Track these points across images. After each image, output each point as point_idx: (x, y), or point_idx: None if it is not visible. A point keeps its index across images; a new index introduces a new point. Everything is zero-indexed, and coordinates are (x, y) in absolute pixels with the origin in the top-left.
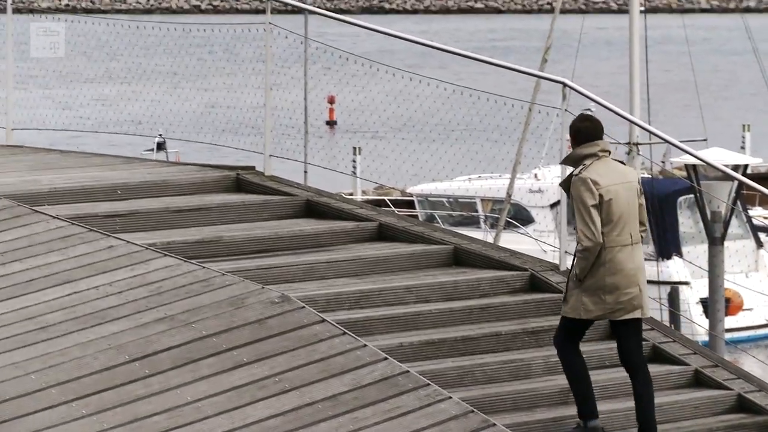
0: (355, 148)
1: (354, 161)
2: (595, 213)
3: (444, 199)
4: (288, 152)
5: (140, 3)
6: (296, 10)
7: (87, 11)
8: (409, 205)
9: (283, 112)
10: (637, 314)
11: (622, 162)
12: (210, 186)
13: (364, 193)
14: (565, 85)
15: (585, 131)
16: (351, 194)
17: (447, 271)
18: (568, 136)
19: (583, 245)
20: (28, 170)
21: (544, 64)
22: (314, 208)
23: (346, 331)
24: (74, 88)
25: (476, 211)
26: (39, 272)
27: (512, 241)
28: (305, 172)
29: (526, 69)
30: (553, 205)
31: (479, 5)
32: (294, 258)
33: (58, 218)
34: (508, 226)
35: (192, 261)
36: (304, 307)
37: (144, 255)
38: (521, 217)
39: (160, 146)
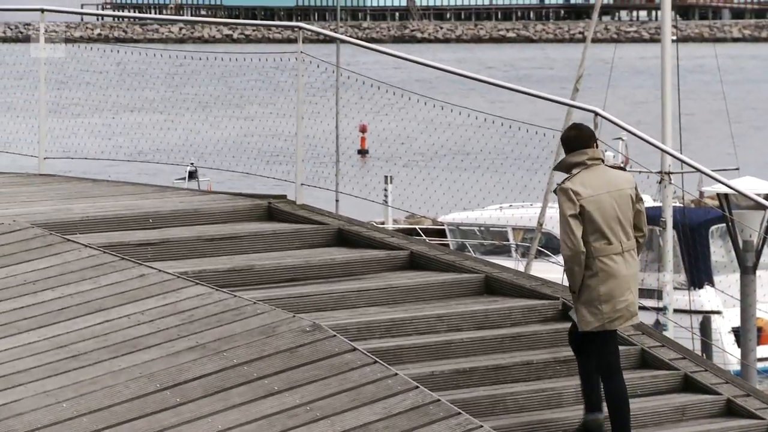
0: (386, 177)
1: (385, 190)
2: (574, 222)
3: (475, 228)
4: (319, 181)
5: (173, 33)
6: (328, 39)
7: (119, 40)
8: (441, 234)
9: (315, 140)
10: (635, 321)
11: (623, 168)
12: (241, 215)
13: (395, 221)
14: (596, 114)
15: (573, 140)
16: (382, 223)
17: (478, 300)
18: None
19: (564, 254)
20: (61, 199)
21: (575, 93)
22: (346, 236)
23: (377, 359)
24: (106, 116)
25: (507, 240)
26: (71, 300)
27: (543, 270)
28: (337, 200)
29: (558, 98)
30: None
31: (511, 34)
32: (325, 287)
33: (90, 247)
34: (540, 255)
35: (223, 289)
36: (335, 335)
37: (176, 283)
38: (552, 246)
39: (192, 175)
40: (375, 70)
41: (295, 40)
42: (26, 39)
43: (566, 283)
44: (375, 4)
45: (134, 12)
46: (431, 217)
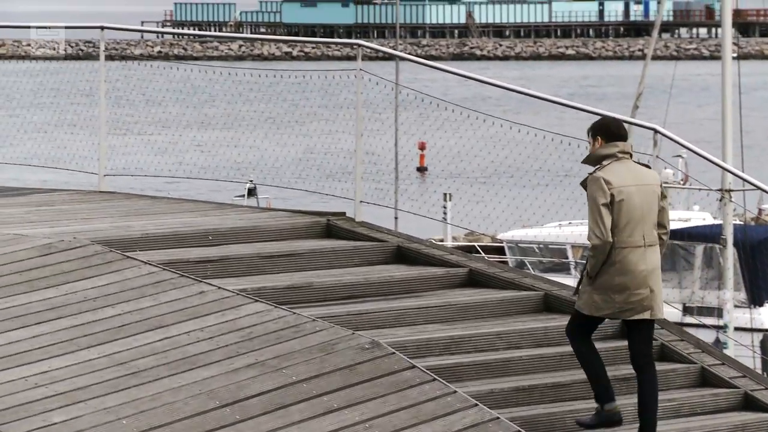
0: (445, 194)
1: (444, 207)
2: (605, 212)
3: (534, 246)
4: (378, 198)
5: (232, 50)
6: (387, 57)
7: (179, 58)
8: (500, 251)
9: (374, 158)
10: (646, 315)
11: (647, 166)
12: (301, 232)
13: (454, 239)
14: (656, 131)
15: (614, 132)
16: (441, 240)
17: (537, 318)
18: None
19: (592, 243)
20: (121, 216)
21: (635, 111)
22: (405, 254)
23: (436, 377)
24: (166, 133)
25: (567, 258)
26: (130, 318)
27: None
28: (396, 218)
29: (618, 115)
30: None
31: (570, 52)
32: (384, 304)
33: (150, 264)
34: None
35: (282, 306)
36: (394, 353)
37: (235, 300)
38: None
39: (251, 192)
40: (434, 88)
41: (354, 58)
42: (87, 56)
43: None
44: (434, 21)
45: (194, 29)
46: (490, 234)
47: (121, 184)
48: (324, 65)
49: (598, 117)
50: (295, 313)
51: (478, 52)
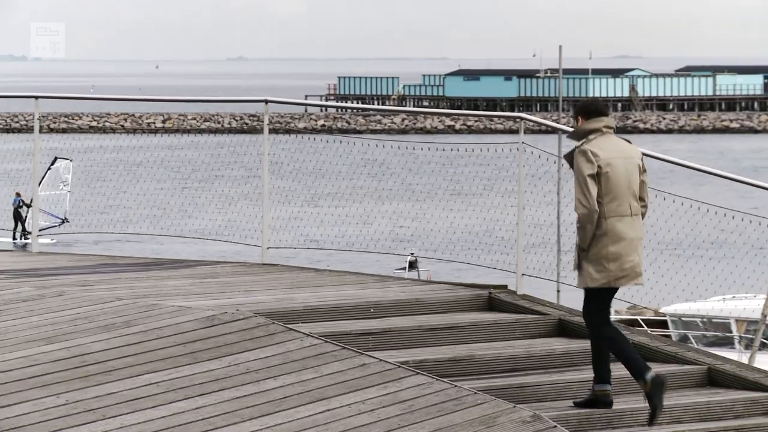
0: None
1: None
2: (591, 182)
3: (698, 319)
4: (540, 271)
5: (395, 123)
6: (549, 130)
7: (342, 131)
8: (663, 324)
9: (536, 230)
10: (639, 281)
11: (627, 141)
12: (462, 305)
13: (617, 312)
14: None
15: (591, 105)
16: None
17: (700, 392)
18: None
19: (578, 212)
20: (283, 288)
21: None
22: (567, 327)
23: None
24: (327, 205)
25: (730, 332)
26: (292, 390)
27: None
28: (558, 291)
29: None
30: None
31: (735, 125)
32: (546, 377)
33: (312, 336)
34: (764, 347)
35: (444, 379)
36: (555, 426)
37: (396, 373)
38: None
39: (412, 265)
40: None
41: (516, 131)
42: (251, 130)
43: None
44: (597, 94)
45: (357, 103)
46: (653, 308)
47: (285, 255)
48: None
49: (761, 189)
50: (456, 385)
51: (641, 126)
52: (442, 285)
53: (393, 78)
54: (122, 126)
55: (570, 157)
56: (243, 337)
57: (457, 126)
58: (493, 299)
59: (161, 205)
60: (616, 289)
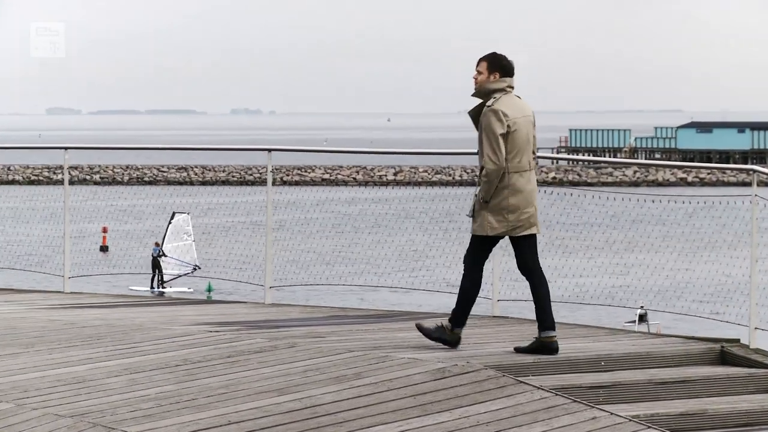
0: None
1: None
2: (501, 141)
3: None
4: None
5: (626, 176)
6: None
7: (573, 184)
8: None
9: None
10: (534, 230)
11: (518, 97)
12: (694, 358)
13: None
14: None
15: (506, 64)
16: None
17: None
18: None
19: (488, 169)
20: (513, 341)
21: None
22: None
23: None
24: (552, 258)
25: None
26: None
27: None
28: None
29: None
30: None
31: None
32: None
33: (542, 389)
34: None
35: None
36: None
37: (628, 427)
38: None
39: (642, 318)
40: None
41: (749, 183)
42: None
43: None
44: None
45: (588, 155)
46: None
47: (512, 307)
48: (719, 191)
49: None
50: None
51: None
52: (673, 338)
53: (625, 131)
54: (354, 178)
55: (475, 114)
56: (473, 389)
57: (690, 178)
58: (725, 353)
59: (406, 256)
60: (498, 239)
